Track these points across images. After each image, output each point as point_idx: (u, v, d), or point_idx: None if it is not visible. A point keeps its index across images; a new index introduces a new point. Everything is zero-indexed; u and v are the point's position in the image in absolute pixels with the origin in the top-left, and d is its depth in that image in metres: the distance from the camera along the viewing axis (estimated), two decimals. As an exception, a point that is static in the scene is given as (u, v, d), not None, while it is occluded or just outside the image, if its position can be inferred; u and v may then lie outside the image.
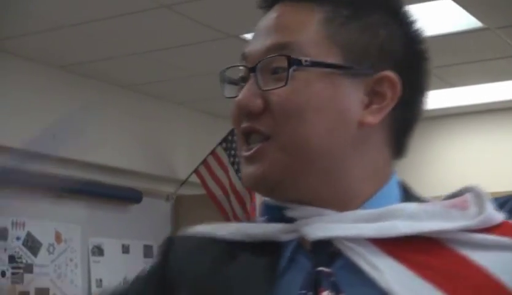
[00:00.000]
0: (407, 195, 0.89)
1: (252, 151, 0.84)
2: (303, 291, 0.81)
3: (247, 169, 0.85)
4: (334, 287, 0.79)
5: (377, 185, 0.85)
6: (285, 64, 0.80)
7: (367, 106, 0.82)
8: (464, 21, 4.11)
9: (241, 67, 0.87)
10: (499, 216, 0.84)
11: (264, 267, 0.84)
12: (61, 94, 4.86)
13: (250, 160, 0.84)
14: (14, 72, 4.65)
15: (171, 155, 5.76)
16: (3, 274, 4.68)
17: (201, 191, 5.38)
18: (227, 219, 4.88)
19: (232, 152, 4.91)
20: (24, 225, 4.89)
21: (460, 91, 5.37)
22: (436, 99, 5.42)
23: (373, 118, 0.82)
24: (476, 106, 5.83)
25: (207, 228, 0.94)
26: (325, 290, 0.79)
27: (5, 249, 4.75)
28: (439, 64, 4.51)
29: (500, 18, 4.08)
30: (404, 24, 0.87)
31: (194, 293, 0.90)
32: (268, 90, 0.81)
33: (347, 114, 0.82)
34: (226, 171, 4.95)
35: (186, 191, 5.69)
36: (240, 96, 0.84)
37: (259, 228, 0.87)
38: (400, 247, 0.80)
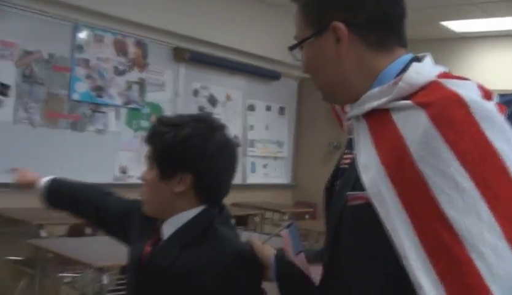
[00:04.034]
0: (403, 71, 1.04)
1: None
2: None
3: None
4: (351, 144, 1.09)
5: (371, 80, 1.08)
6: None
7: (337, 44, 1.09)
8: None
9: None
10: (422, 78, 1.00)
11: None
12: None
13: None
14: None
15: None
16: (194, 118, 6.29)
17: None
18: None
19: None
20: (208, 88, 6.34)
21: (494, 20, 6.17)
22: (471, 25, 6.34)
23: (342, 48, 1.08)
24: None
25: None
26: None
27: (196, 103, 6.22)
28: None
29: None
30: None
31: None
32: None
33: (327, 55, 1.10)
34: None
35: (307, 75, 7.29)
36: None
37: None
38: (371, 118, 1.05)
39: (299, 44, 1.14)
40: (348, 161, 1.11)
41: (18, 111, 4.68)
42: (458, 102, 0.93)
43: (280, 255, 1.44)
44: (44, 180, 1.88)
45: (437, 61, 1.11)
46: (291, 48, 1.16)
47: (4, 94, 4.58)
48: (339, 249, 1.09)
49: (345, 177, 1.10)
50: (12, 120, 4.64)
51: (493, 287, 0.84)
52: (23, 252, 4.24)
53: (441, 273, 0.88)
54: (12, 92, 4.63)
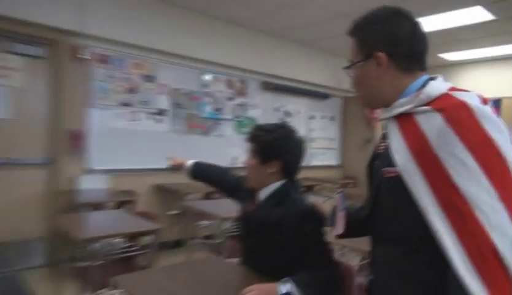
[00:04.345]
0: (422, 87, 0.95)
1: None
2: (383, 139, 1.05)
3: None
4: (385, 135, 1.03)
5: (399, 93, 1.01)
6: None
7: (378, 67, 1.01)
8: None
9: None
10: (436, 92, 0.92)
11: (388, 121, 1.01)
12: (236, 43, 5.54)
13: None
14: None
15: (342, 75, 5.97)
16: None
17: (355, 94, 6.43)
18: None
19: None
20: (284, 106, 6.03)
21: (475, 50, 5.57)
22: (459, 55, 5.79)
23: (381, 70, 1.01)
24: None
25: None
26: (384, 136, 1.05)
27: (277, 116, 5.78)
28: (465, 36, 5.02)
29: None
30: (388, 35, 1.00)
31: None
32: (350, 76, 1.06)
33: (370, 75, 1.02)
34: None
35: (348, 94, 6.60)
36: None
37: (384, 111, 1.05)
38: (400, 119, 0.98)
39: (352, 65, 1.07)
40: (383, 147, 1.05)
41: (171, 125, 4.77)
42: (464, 107, 0.88)
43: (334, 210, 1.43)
44: (189, 162, 1.96)
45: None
46: (346, 68, 1.08)
47: (164, 114, 4.72)
48: (378, 206, 1.06)
49: (381, 158, 1.05)
50: (168, 130, 4.75)
51: (489, 231, 0.81)
52: (176, 209, 4.34)
53: (451, 222, 0.84)
54: (168, 113, 4.75)
